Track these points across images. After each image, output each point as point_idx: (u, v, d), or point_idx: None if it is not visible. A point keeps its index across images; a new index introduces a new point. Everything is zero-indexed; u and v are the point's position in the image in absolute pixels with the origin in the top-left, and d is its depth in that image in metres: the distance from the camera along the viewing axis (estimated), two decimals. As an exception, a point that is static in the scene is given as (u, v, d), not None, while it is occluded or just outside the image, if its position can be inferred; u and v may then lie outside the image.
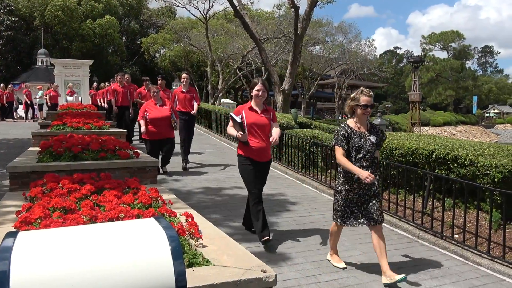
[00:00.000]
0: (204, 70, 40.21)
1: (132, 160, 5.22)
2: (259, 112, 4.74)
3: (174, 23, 39.38)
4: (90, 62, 24.89)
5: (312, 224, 5.64)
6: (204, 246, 2.75)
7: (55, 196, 3.45)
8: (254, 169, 4.71)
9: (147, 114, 7.72)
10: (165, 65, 44.88)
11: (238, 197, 6.85)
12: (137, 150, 5.61)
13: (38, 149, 5.51)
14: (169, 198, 4.00)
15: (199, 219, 3.45)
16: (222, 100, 35.31)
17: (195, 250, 2.66)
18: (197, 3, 28.45)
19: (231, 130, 4.76)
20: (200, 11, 29.67)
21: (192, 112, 8.73)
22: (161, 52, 46.78)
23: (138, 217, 2.95)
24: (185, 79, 8.75)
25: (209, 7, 29.33)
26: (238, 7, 15.76)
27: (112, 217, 2.92)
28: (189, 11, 30.93)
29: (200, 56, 40.13)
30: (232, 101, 45.20)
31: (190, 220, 3.08)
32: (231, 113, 4.74)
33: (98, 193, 3.68)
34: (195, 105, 8.82)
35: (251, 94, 4.79)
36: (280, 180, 8.39)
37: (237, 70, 35.70)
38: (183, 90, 8.71)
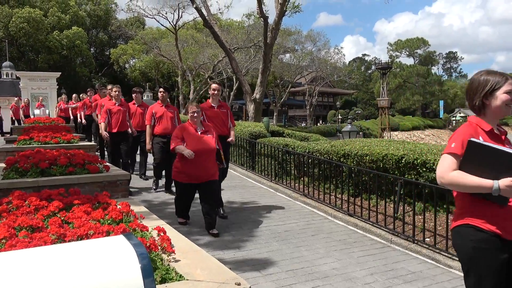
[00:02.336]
0: (175, 80, 40.01)
1: (102, 174, 5.11)
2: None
3: (143, 34, 39.09)
4: (58, 74, 24.35)
5: (287, 233, 5.64)
6: (177, 261, 2.71)
7: (21, 214, 3.33)
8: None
9: (184, 142, 5.30)
10: (135, 75, 44.46)
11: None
12: (107, 164, 5.50)
13: (3, 165, 5.33)
14: (141, 212, 3.93)
15: (171, 232, 3.39)
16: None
17: (168, 265, 2.62)
18: (166, 13, 28.34)
19: None
20: (169, 22, 29.61)
21: (229, 139, 6.18)
22: (131, 62, 46.33)
23: (108, 233, 2.88)
24: (216, 90, 6.18)
25: (178, 17, 29.31)
26: (207, 17, 15.77)
27: (81, 235, 2.84)
28: (158, 22, 30.96)
29: (170, 66, 39.98)
30: (204, 111, 44.93)
31: (162, 234, 3.04)
32: None
33: (67, 209, 3.58)
34: (231, 127, 6.40)
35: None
36: (254, 189, 8.38)
37: (208, 80, 35.62)
38: (213, 104, 6.19)
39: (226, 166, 6.18)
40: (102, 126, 7.86)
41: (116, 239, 1.73)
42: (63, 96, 18.89)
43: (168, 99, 7.77)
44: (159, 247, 2.79)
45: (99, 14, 47.99)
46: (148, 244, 2.77)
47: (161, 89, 7.71)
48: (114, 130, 7.74)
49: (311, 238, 5.45)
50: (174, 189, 6.44)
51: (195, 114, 5.39)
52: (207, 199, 5.34)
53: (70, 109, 15.24)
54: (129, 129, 8.09)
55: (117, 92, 7.93)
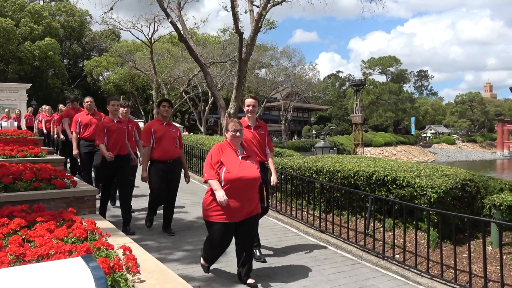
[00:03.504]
0: (150, 93, 39.69)
1: (68, 190, 4.96)
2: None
3: (118, 46, 38.77)
4: (28, 85, 23.81)
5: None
6: (142, 281, 2.64)
7: (-21, 233, 3.19)
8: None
9: (223, 167, 4.14)
10: (109, 88, 43.91)
11: (183, 222, 6.72)
12: (75, 179, 5.36)
13: (-37, 180, 5.11)
14: (107, 229, 3.82)
15: (138, 251, 3.31)
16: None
17: (132, 286, 2.54)
18: (141, 26, 28.20)
19: None
20: (144, 35, 29.46)
21: (272, 180, 5.16)
22: (105, 75, 45.76)
23: (70, 253, 2.78)
24: (251, 106, 5.14)
25: (154, 31, 29.19)
26: (182, 32, 15.77)
27: (42, 254, 2.73)
28: (134, 35, 30.87)
29: (145, 79, 39.68)
30: (178, 125, 44.72)
31: (128, 253, 2.95)
32: None
33: (29, 227, 3.45)
34: (269, 153, 5.34)
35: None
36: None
37: (183, 94, 35.53)
38: (250, 124, 5.17)
39: (267, 205, 5.06)
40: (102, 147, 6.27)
41: (74, 261, 1.67)
42: (29, 108, 18.41)
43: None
44: (124, 267, 2.71)
45: (73, 25, 47.34)
46: (111, 264, 2.68)
47: (165, 103, 6.17)
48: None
49: (282, 256, 5.41)
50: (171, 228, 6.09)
51: (238, 134, 4.25)
52: (246, 239, 4.28)
53: (37, 122, 14.75)
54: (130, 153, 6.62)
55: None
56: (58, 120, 10.77)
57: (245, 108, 5.20)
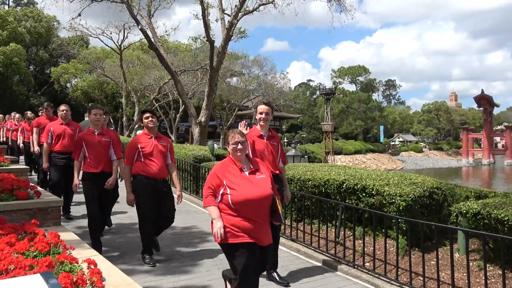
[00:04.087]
0: (119, 101, 39.06)
1: (32, 201, 4.77)
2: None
3: (86, 53, 38.01)
4: (-9, 92, 23.03)
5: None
6: (107, 297, 2.54)
7: None
8: None
9: (227, 190, 3.47)
10: (77, 95, 42.96)
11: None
12: (39, 189, 5.17)
13: None
14: (72, 241, 3.69)
15: (104, 264, 3.20)
16: (138, 132, 34.32)
17: (96, 302, 2.44)
18: (110, 33, 27.76)
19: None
20: (114, 42, 29.00)
21: (285, 194, 4.82)
22: (73, 82, 44.77)
23: (31, 268, 2.66)
24: (264, 114, 4.72)
25: (123, 38, 28.80)
26: (152, 39, 15.61)
27: (1, 270, 2.60)
28: (102, 41, 30.26)
29: (115, 87, 39.06)
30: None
31: (92, 267, 2.85)
32: None
33: (-12, 241, 3.29)
34: (282, 167, 4.93)
35: None
36: (197, 214, 8.21)
37: (154, 101, 35.12)
38: (263, 133, 4.72)
39: (283, 222, 4.42)
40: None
41: (32, 279, 1.58)
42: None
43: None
44: (88, 282, 2.61)
45: (40, 31, 46.16)
46: (75, 279, 2.58)
47: (147, 114, 5.28)
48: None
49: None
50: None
51: (240, 147, 3.54)
52: (261, 270, 3.75)
53: (5, 130, 14.08)
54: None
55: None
56: (32, 128, 9.38)
57: (258, 116, 4.73)
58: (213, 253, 5.75)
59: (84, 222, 6.95)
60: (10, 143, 13.06)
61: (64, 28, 36.03)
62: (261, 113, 4.72)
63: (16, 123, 12.94)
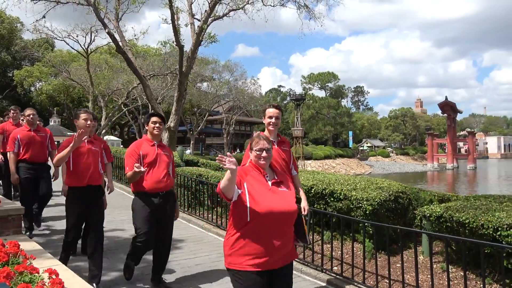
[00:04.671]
0: (86, 105, 38.23)
1: (-10, 209, 4.60)
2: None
3: (52, 56, 37.10)
4: (-51, 95, 22.12)
5: (198, 266, 5.46)
6: (68, 307, 2.46)
7: None
8: None
9: (247, 194, 2.91)
10: (42, 99, 41.86)
11: (117, 241, 6.44)
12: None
13: None
14: (33, 251, 3.57)
15: (66, 273, 3.11)
16: (106, 137, 33.74)
17: (57, 313, 2.36)
18: (77, 36, 27.12)
19: None
20: (80, 45, 28.37)
21: (304, 208, 4.17)
22: (37, 85, 43.56)
23: (-12, 279, 2.55)
24: (275, 116, 4.29)
25: (90, 41, 28.20)
26: (120, 43, 15.37)
27: (-46, 282, 2.48)
28: (68, 44, 29.45)
29: (81, 91, 38.22)
30: (117, 138, 43.44)
31: (54, 277, 2.76)
32: None
33: None
34: (295, 175, 4.44)
35: None
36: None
37: (122, 106, 34.56)
38: (273, 139, 4.30)
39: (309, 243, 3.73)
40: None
41: (-14, 291, 1.51)
42: None
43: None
44: (49, 292, 2.52)
45: (2, 33, 44.75)
46: (35, 290, 2.49)
47: (156, 118, 4.65)
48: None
49: (223, 272, 5.31)
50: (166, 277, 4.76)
51: (264, 154, 3.05)
52: None
53: None
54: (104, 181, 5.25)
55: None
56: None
57: (267, 120, 4.28)
58: (181, 260, 5.68)
59: (46, 231, 6.75)
60: None
61: (28, 30, 34.98)
62: (270, 117, 4.26)
63: None
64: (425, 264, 5.21)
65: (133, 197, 4.65)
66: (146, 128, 4.69)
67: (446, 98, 69.19)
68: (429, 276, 4.61)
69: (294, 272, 5.43)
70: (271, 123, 4.25)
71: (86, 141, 4.66)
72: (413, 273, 4.74)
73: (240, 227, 2.88)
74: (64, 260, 4.57)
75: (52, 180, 6.59)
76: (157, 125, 4.59)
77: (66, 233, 4.71)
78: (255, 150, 3.08)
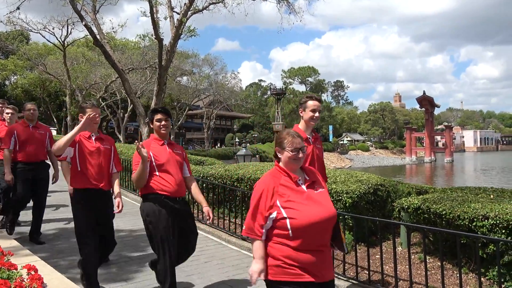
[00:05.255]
0: (63, 99, 37.56)
1: (-35, 205, 4.50)
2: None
3: (27, 49, 36.25)
4: None
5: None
6: (47, 303, 2.43)
7: None
8: None
9: (283, 212, 2.50)
10: (17, 93, 40.87)
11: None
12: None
13: None
14: (10, 247, 3.51)
15: (45, 269, 3.07)
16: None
17: (36, 309, 2.33)
18: (53, 29, 26.62)
19: None
20: (57, 38, 27.84)
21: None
22: (12, 79, 42.52)
23: (-38, 276, 2.50)
24: (318, 110, 3.86)
25: (67, 34, 27.73)
26: (98, 36, 15.12)
27: None
28: (44, 37, 28.77)
29: (58, 85, 37.50)
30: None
31: (33, 273, 2.72)
32: None
33: None
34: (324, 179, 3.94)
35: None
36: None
37: (101, 100, 34.04)
38: (309, 135, 3.87)
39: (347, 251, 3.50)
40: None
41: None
42: None
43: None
44: (27, 288, 2.49)
45: (-25, 25, 43.54)
46: (13, 287, 2.45)
47: (160, 115, 4.02)
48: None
49: (204, 265, 5.32)
50: None
51: (300, 155, 2.65)
52: None
53: None
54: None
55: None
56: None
57: (309, 114, 3.80)
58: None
59: (23, 229, 6.55)
60: None
61: (1, 21, 34.20)
62: (314, 111, 3.79)
63: None
64: (404, 255, 5.31)
65: (132, 201, 4.29)
66: (151, 126, 4.11)
67: (424, 93, 70.39)
68: (407, 266, 4.70)
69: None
70: (314, 117, 3.80)
71: (94, 138, 4.17)
72: (392, 264, 4.82)
73: (279, 243, 2.53)
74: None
75: (52, 182, 5.96)
76: (163, 122, 3.99)
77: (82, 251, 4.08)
78: (290, 150, 2.63)
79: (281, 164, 2.69)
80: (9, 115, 6.39)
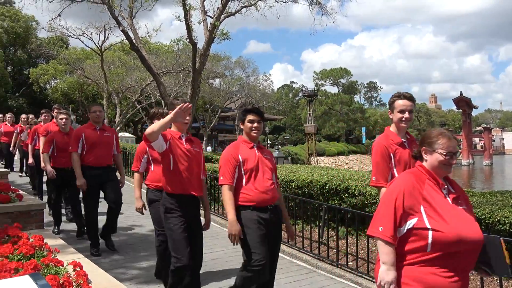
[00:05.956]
0: (100, 102, 38.65)
1: (13, 204, 4.73)
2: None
3: (66, 54, 37.50)
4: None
5: (214, 261, 5.56)
6: (93, 298, 2.55)
7: None
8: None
9: (426, 221, 2.13)
10: (57, 97, 42.29)
11: (137, 236, 6.55)
12: (21, 192, 5.11)
13: None
14: (56, 245, 3.67)
15: (89, 266, 3.20)
16: (120, 134, 34.03)
17: (83, 303, 2.45)
18: (91, 34, 27.41)
19: None
20: (94, 43, 28.68)
21: None
22: (52, 83, 44.08)
23: (16, 271, 2.65)
24: (408, 110, 3.42)
25: (104, 39, 28.49)
26: (134, 40, 15.51)
27: (-15, 273, 2.59)
28: (83, 42, 29.73)
29: (95, 88, 38.61)
30: (131, 135, 43.85)
31: (78, 269, 2.85)
32: None
33: (-30, 245, 3.26)
34: None
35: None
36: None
37: (136, 103, 34.84)
38: (403, 139, 3.48)
39: None
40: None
41: (22, 280, 1.59)
42: None
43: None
44: (74, 284, 2.61)
45: (18, 31, 45.31)
46: (61, 281, 2.58)
47: (252, 116, 3.68)
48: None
49: (238, 266, 5.38)
50: None
51: (454, 161, 2.33)
52: None
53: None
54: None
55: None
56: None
57: (397, 115, 3.41)
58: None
59: (67, 226, 6.89)
60: None
61: (43, 28, 35.40)
62: (403, 111, 3.40)
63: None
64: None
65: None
66: (242, 127, 3.76)
67: (461, 93, 68.33)
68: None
69: (308, 267, 5.50)
70: (404, 119, 3.39)
71: (184, 140, 3.74)
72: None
73: (414, 260, 2.16)
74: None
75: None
76: (256, 124, 3.64)
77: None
78: (443, 153, 2.25)
79: (425, 167, 2.32)
80: (63, 120, 6.45)
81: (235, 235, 3.41)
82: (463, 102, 67.66)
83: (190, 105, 3.41)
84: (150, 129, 3.33)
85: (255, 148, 3.68)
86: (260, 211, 3.52)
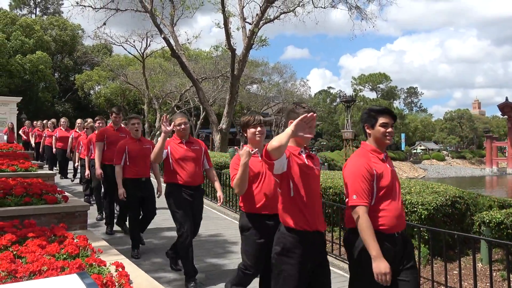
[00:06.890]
0: (141, 107, 39.68)
1: (59, 205, 4.93)
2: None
3: (110, 60, 38.79)
4: (18, 99, 23.64)
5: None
6: (135, 298, 2.62)
7: (-31, 249, 3.16)
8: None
9: None
10: (100, 102, 43.81)
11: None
12: (66, 194, 5.32)
13: (-47, 195, 5.06)
14: (99, 246, 3.80)
15: (130, 267, 3.30)
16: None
17: (125, 303, 2.53)
18: (134, 41, 28.29)
19: None
20: (137, 50, 29.54)
21: None
22: (96, 89, 45.69)
23: (63, 269, 2.77)
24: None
25: (146, 46, 29.30)
26: (175, 47, 15.88)
27: (34, 271, 2.71)
28: (126, 49, 30.75)
29: (137, 94, 39.72)
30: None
31: (120, 270, 2.95)
32: None
33: (20, 243, 3.42)
34: None
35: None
36: (218, 220, 8.28)
37: (175, 108, 35.56)
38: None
39: None
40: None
41: (69, 278, 1.67)
42: (26, 122, 18.37)
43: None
44: (116, 284, 2.70)
45: (65, 39, 47.39)
46: (104, 281, 2.68)
47: (387, 118, 3.05)
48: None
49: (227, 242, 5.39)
50: None
51: None
52: None
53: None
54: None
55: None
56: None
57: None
58: (234, 259, 5.81)
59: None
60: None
61: (88, 36, 36.74)
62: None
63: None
64: (484, 272, 5.04)
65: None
66: (368, 131, 3.16)
67: (507, 99, 65.58)
68: (488, 284, 4.47)
69: (345, 275, 5.42)
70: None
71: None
72: (471, 280, 4.60)
73: None
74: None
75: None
76: (389, 129, 3.07)
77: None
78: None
79: None
80: (136, 125, 5.82)
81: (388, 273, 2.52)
82: (509, 108, 64.87)
83: (315, 114, 2.71)
84: (277, 141, 2.61)
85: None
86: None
